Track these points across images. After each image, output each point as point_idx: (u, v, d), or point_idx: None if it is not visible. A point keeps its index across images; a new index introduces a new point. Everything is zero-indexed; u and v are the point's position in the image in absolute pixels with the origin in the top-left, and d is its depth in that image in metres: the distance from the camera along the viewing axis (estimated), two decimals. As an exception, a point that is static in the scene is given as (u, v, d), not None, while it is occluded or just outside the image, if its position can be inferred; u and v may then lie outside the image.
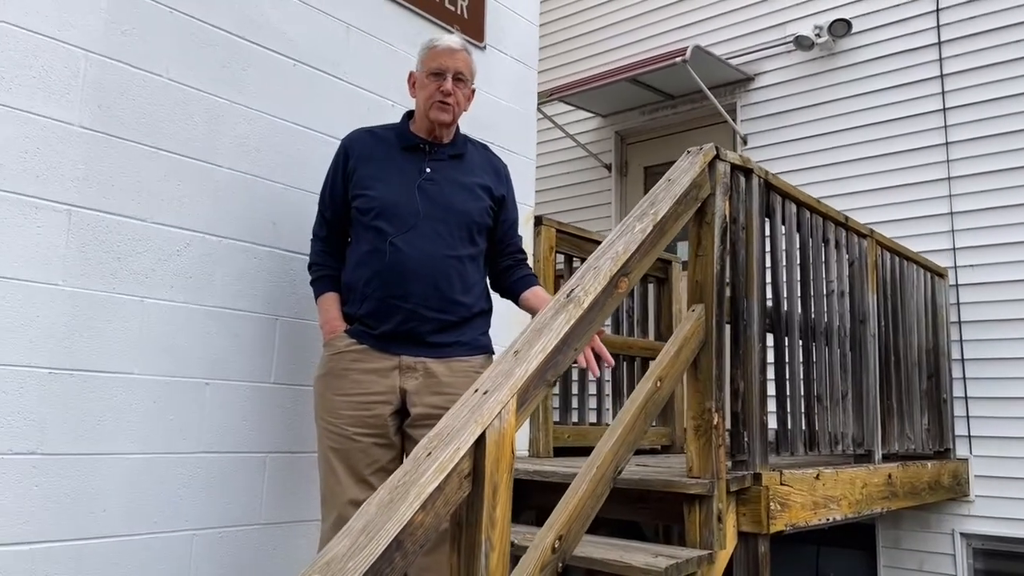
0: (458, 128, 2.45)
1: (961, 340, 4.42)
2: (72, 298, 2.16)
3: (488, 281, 2.53)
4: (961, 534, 4.30)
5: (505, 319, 2.97)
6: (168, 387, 2.33)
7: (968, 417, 4.34)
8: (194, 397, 2.38)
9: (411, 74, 2.42)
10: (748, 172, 2.69)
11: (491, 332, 2.44)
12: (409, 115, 2.46)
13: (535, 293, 2.46)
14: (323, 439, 2.25)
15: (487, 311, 2.40)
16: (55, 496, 2.09)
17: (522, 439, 3.42)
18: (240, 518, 2.46)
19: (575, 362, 2.01)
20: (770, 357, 2.79)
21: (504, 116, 3.51)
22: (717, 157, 2.53)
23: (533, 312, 2.45)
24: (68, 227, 2.16)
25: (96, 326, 2.20)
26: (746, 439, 2.55)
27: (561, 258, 3.73)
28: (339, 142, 2.44)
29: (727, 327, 2.56)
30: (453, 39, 2.36)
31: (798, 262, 3.02)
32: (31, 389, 2.06)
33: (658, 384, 2.23)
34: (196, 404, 2.38)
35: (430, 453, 1.52)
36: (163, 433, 2.31)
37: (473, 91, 2.43)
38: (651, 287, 4.25)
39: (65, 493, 2.11)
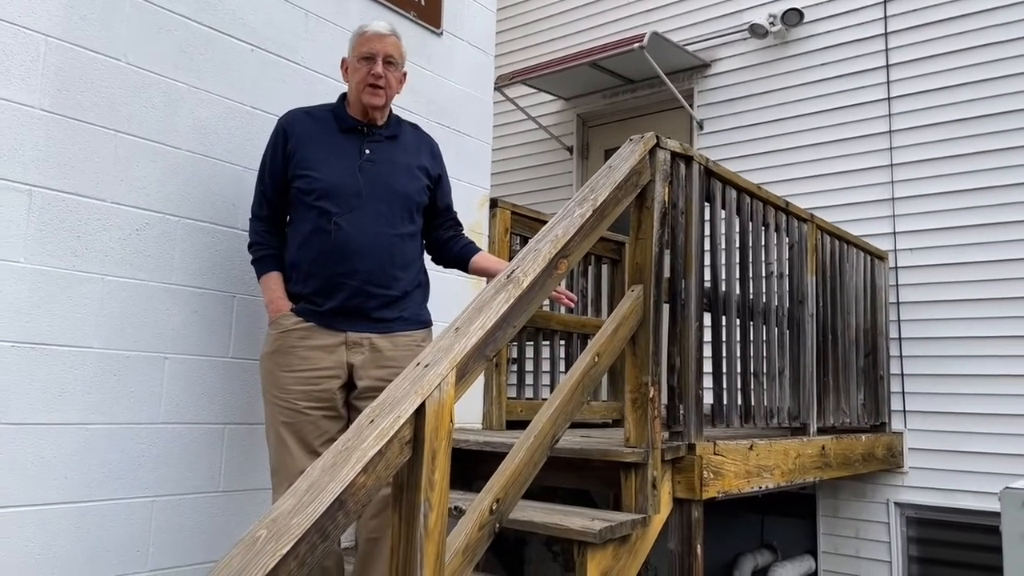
0: (391, 110, 2.55)
1: (899, 320, 4.63)
2: (34, 275, 2.24)
3: (431, 254, 2.69)
4: (895, 503, 4.54)
5: (441, 298, 3.11)
6: (128, 361, 2.42)
7: (904, 393, 4.57)
8: (154, 371, 2.48)
9: (343, 60, 2.51)
10: (688, 159, 2.83)
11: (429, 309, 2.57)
12: (344, 97, 2.54)
13: (484, 256, 2.67)
14: (274, 414, 2.35)
15: (424, 284, 2.54)
16: (19, 463, 2.19)
17: (475, 413, 3.56)
18: (199, 486, 2.57)
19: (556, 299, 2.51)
20: (709, 336, 2.96)
21: (461, 101, 3.61)
22: (657, 145, 2.67)
23: (484, 273, 2.68)
24: (29, 207, 2.24)
25: (58, 302, 2.28)
26: (682, 412, 2.71)
27: (518, 239, 3.85)
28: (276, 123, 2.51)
29: (665, 306, 2.71)
30: (382, 24, 2.45)
31: (737, 245, 3.18)
32: (-5, 362, 2.16)
33: (595, 359, 2.37)
34: (156, 377, 2.49)
35: (372, 420, 1.65)
36: (124, 405, 2.41)
37: (405, 75, 2.53)
38: (605, 268, 4.40)
39: (29, 460, 2.21)
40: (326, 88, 3.04)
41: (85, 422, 2.32)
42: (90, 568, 2.31)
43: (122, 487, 2.39)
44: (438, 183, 2.59)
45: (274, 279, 2.41)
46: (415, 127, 2.63)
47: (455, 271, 2.80)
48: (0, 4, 2.20)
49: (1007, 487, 2.60)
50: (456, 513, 2.23)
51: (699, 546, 2.70)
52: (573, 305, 2.76)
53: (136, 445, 2.43)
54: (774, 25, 5.23)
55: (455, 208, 2.72)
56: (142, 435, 2.44)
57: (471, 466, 2.98)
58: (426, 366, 1.76)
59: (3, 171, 2.19)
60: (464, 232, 2.72)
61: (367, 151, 2.44)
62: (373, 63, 2.40)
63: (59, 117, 2.31)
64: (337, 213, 2.34)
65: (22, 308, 2.21)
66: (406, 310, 2.43)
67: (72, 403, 2.30)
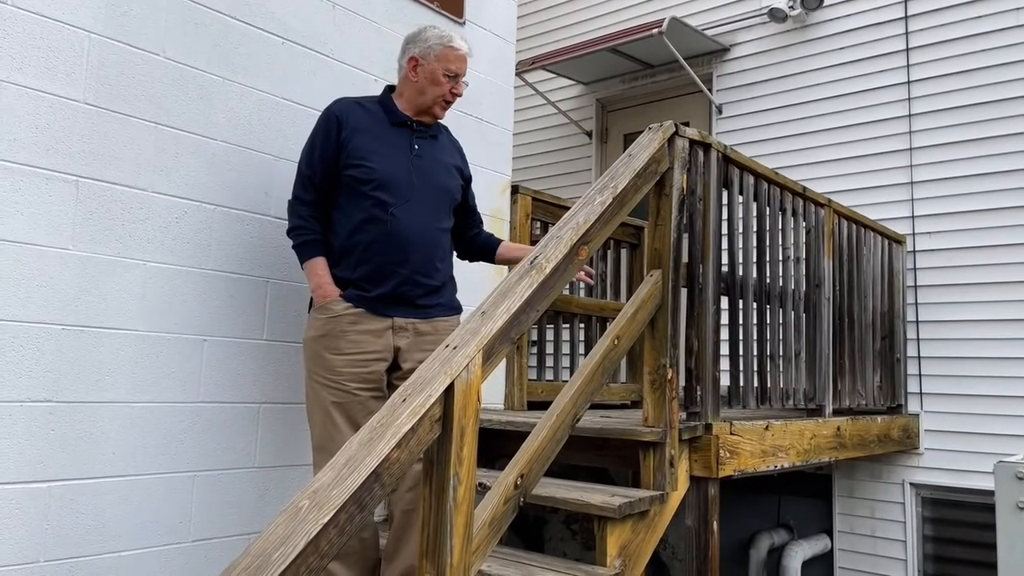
0: None
1: (917, 303, 4.67)
2: (82, 262, 2.36)
3: (457, 249, 2.83)
4: (911, 484, 4.60)
5: (467, 284, 3.20)
6: (169, 343, 2.55)
7: (920, 375, 4.62)
8: (193, 352, 2.60)
9: (416, 59, 2.53)
10: (707, 147, 2.89)
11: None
12: (391, 89, 2.63)
13: (507, 246, 2.87)
14: (322, 395, 2.43)
15: (453, 276, 2.67)
16: (70, 439, 2.32)
17: (498, 394, 3.67)
18: (236, 462, 2.70)
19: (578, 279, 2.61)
20: (726, 319, 3.03)
21: (483, 90, 3.69)
22: (676, 133, 2.73)
23: (509, 262, 2.86)
24: (76, 196, 2.36)
25: (104, 287, 2.41)
26: (699, 393, 2.79)
27: (538, 225, 3.93)
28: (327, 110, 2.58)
29: (683, 291, 2.78)
30: (466, 45, 2.58)
31: (755, 230, 3.24)
32: (47, 344, 2.28)
33: (615, 342, 2.46)
34: (195, 358, 2.61)
35: (405, 399, 1.74)
36: (166, 384, 2.53)
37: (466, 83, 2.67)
38: (624, 252, 4.47)
39: (79, 437, 2.34)
40: (353, 78, 3.13)
41: (130, 401, 2.45)
42: (137, 538, 2.45)
43: (165, 462, 2.52)
44: (468, 184, 2.74)
45: (320, 264, 2.47)
46: (446, 128, 2.75)
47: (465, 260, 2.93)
48: (47, 2, 2.31)
49: (1000, 460, 2.68)
50: (481, 489, 2.33)
51: (715, 523, 2.79)
52: (591, 282, 2.88)
53: (177, 423, 2.56)
54: (793, 9, 5.24)
55: (479, 196, 2.84)
56: (183, 413, 2.57)
57: (494, 445, 3.08)
58: (455, 348, 1.86)
59: (52, 162, 2.31)
60: (484, 221, 2.88)
61: (416, 147, 2.55)
62: (456, 83, 2.55)
63: (102, 110, 2.42)
64: (393, 204, 2.45)
65: (70, 293, 2.34)
66: (443, 297, 2.57)
67: (118, 383, 2.43)
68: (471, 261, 2.89)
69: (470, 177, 2.75)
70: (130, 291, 2.46)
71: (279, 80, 2.89)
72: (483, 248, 2.84)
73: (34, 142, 2.28)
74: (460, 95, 2.59)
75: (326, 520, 1.50)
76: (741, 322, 3.11)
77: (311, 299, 2.51)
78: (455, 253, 2.83)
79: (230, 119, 2.74)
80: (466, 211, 2.76)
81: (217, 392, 2.66)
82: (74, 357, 2.34)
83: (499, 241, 2.85)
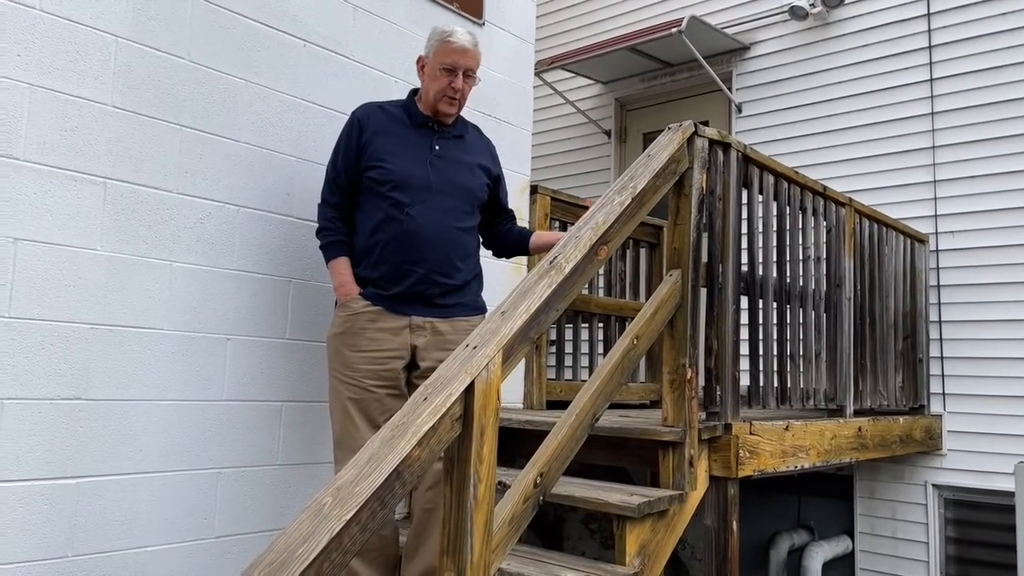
0: None
1: (940, 303, 4.63)
2: (109, 262, 2.41)
3: (492, 248, 2.86)
4: (933, 485, 4.56)
5: (487, 283, 3.22)
6: (194, 342, 2.59)
7: (943, 376, 4.57)
8: (217, 351, 2.64)
9: (421, 58, 2.62)
10: (726, 146, 2.89)
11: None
12: (415, 92, 2.67)
13: (538, 234, 2.86)
14: (341, 390, 2.49)
15: (479, 275, 2.68)
16: (98, 436, 2.37)
17: (516, 393, 3.68)
18: (259, 459, 2.74)
19: None
20: (746, 319, 3.02)
21: (502, 90, 3.70)
22: (695, 133, 2.73)
23: (546, 248, 2.80)
24: (104, 198, 2.40)
25: (130, 287, 2.45)
26: (719, 393, 2.79)
27: (557, 224, 3.94)
28: (348, 116, 2.65)
29: (703, 291, 2.78)
30: (466, 37, 2.55)
31: (775, 229, 3.23)
32: (76, 342, 2.33)
33: (634, 342, 2.46)
34: (219, 357, 2.65)
35: (426, 398, 1.76)
36: (190, 383, 2.57)
37: (478, 78, 2.66)
38: (643, 251, 4.46)
39: (107, 434, 2.39)
40: (374, 80, 3.16)
41: (157, 399, 2.49)
42: (163, 534, 2.49)
43: (190, 460, 2.56)
44: (497, 183, 2.76)
45: (343, 264, 2.54)
46: (476, 128, 2.78)
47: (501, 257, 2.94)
48: (75, 7, 2.36)
49: (1020, 461, 2.65)
50: (501, 488, 2.35)
51: (735, 522, 2.78)
52: None
53: (202, 420, 2.60)
54: (814, 7, 5.21)
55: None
56: (208, 411, 2.61)
57: (514, 444, 3.10)
58: (475, 348, 1.87)
59: (80, 164, 2.36)
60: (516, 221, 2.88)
61: (436, 147, 2.58)
62: (455, 76, 2.53)
63: (128, 113, 2.46)
64: (409, 204, 2.48)
65: (98, 293, 2.38)
66: (465, 296, 2.58)
67: (144, 381, 2.47)
68: (508, 258, 2.93)
69: (499, 176, 2.75)
70: (156, 291, 2.50)
71: (301, 82, 2.93)
72: (516, 243, 2.84)
73: (63, 145, 2.32)
74: (459, 88, 2.54)
75: (349, 517, 1.52)
76: (761, 322, 3.10)
77: (336, 299, 2.55)
78: (491, 252, 2.86)
79: (253, 121, 2.78)
80: (496, 209, 2.79)
81: (240, 390, 2.70)
82: (102, 355, 2.38)
83: (530, 233, 2.85)
